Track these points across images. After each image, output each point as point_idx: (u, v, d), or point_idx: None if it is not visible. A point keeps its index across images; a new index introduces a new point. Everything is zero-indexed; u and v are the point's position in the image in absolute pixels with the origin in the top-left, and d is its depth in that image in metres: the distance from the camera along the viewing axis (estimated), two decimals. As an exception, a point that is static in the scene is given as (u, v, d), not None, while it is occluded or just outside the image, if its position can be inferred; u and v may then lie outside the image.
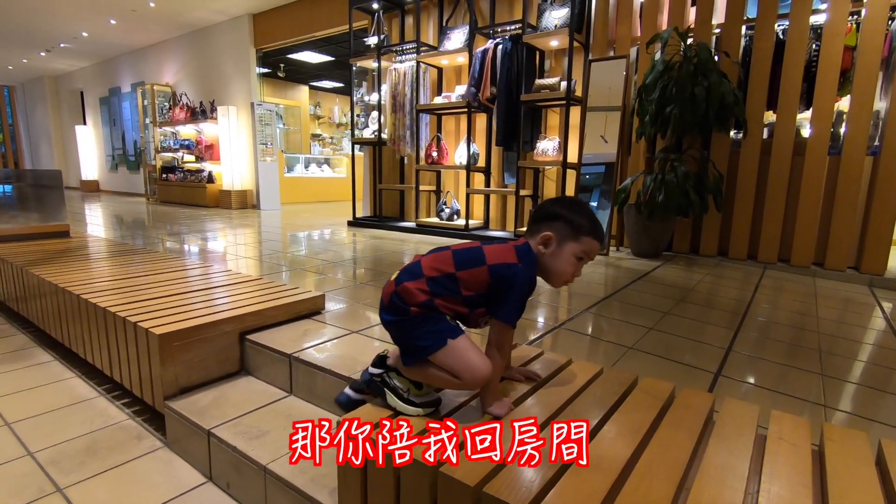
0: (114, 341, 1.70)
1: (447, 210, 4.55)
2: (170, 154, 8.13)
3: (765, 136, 3.45)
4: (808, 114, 3.29)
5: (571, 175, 3.89)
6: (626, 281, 2.76)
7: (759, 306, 2.36)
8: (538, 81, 3.86)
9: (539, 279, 1.08)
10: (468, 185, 4.30)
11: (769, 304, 2.41)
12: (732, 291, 2.66)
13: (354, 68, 5.17)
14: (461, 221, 4.43)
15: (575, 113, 3.89)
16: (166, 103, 8.31)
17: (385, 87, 4.85)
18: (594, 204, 3.74)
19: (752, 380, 1.51)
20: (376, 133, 4.96)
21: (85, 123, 11.05)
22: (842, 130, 3.25)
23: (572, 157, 3.88)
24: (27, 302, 2.38)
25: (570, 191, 3.90)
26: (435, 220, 4.64)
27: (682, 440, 0.95)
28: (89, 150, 11.05)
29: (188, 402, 1.49)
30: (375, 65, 4.85)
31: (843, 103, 3.27)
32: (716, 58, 3.32)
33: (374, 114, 5.03)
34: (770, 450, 0.92)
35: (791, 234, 3.34)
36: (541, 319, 2.01)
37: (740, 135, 3.44)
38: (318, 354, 1.54)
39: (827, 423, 1.07)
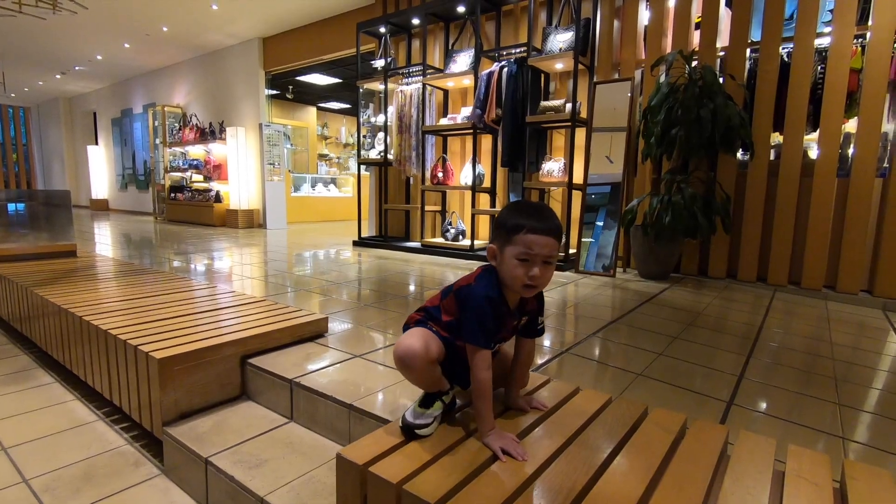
0: (114, 364, 1.68)
1: (452, 230, 4.55)
2: (178, 174, 8.24)
3: (772, 157, 3.43)
4: (815, 135, 3.28)
5: (577, 196, 3.88)
6: (634, 304, 2.72)
7: (770, 331, 2.31)
8: (543, 103, 3.89)
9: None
10: (473, 205, 4.30)
11: (781, 329, 2.36)
12: (742, 315, 2.61)
13: (361, 90, 5.23)
14: (466, 242, 4.42)
15: (580, 134, 3.91)
16: (176, 124, 8.44)
17: (391, 109, 4.91)
18: (600, 223, 3.72)
19: (765, 409, 1.47)
20: (382, 154, 4.99)
21: (97, 144, 11.24)
22: (850, 152, 3.23)
23: (578, 177, 3.87)
24: (31, 322, 2.37)
25: (576, 211, 3.89)
26: (440, 240, 4.63)
27: (696, 476, 0.91)
28: (100, 170, 11.22)
29: (187, 428, 1.46)
30: (382, 87, 4.92)
31: (851, 125, 3.26)
32: (721, 80, 3.33)
33: (381, 135, 5.07)
34: (790, 489, 0.88)
35: (801, 256, 3.29)
36: (546, 343, 1.97)
37: (747, 156, 3.43)
38: (321, 380, 1.51)
39: (848, 460, 1.03)
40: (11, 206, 3.18)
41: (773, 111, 3.32)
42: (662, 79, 3.40)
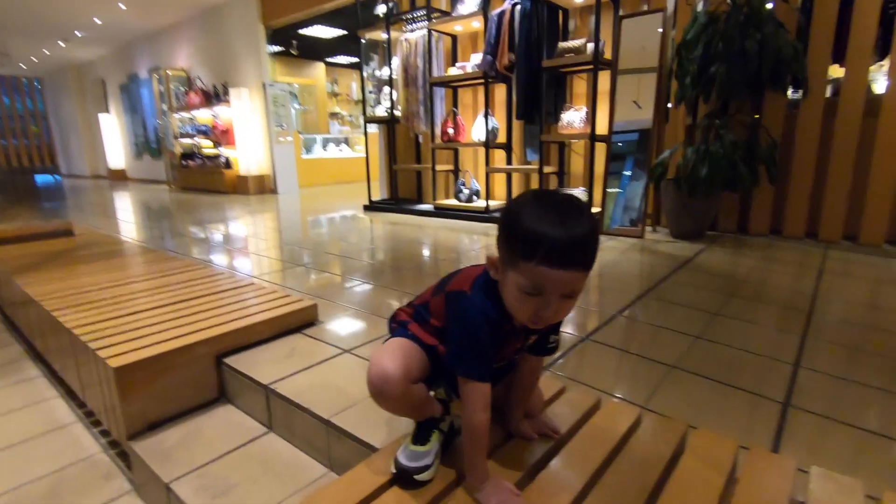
0: (81, 364, 1.53)
1: (466, 191, 4.25)
2: (188, 140, 8.05)
3: (829, 94, 2.97)
4: (883, 65, 2.80)
5: (601, 149, 3.51)
6: (665, 271, 2.43)
7: (827, 300, 2.00)
8: (561, 45, 3.46)
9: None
10: (487, 163, 3.97)
11: (840, 298, 2.04)
12: (791, 280, 2.29)
13: (364, 41, 4.83)
14: (481, 203, 4.13)
15: (604, 78, 3.48)
16: (182, 88, 8.17)
17: (396, 60, 4.52)
18: (628, 173, 3.36)
19: (833, 412, 1.20)
20: (389, 110, 4.65)
21: (108, 112, 11.11)
22: (925, 84, 2.76)
23: (601, 128, 3.49)
24: (16, 310, 2.25)
25: (599, 166, 3.53)
26: (454, 201, 4.34)
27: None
28: (114, 139, 11.13)
29: (155, 442, 1.30)
30: (385, 36, 4.51)
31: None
32: (770, 5, 2.85)
33: (386, 89, 4.71)
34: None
35: (860, 207, 2.90)
36: (566, 331, 1.73)
37: (799, 94, 2.99)
38: (300, 384, 1.32)
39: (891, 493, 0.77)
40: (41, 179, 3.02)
41: (832, 38, 2.84)
42: (700, 7, 2.93)
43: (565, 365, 1.45)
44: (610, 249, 2.93)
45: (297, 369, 1.41)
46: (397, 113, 4.60)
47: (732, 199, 3.26)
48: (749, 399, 1.25)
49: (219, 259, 2.96)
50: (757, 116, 3.07)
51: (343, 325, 1.76)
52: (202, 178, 7.71)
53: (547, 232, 0.66)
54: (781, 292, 2.12)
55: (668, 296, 2.05)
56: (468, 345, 0.74)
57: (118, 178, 11.22)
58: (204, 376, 1.45)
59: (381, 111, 4.87)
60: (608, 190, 3.41)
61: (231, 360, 1.47)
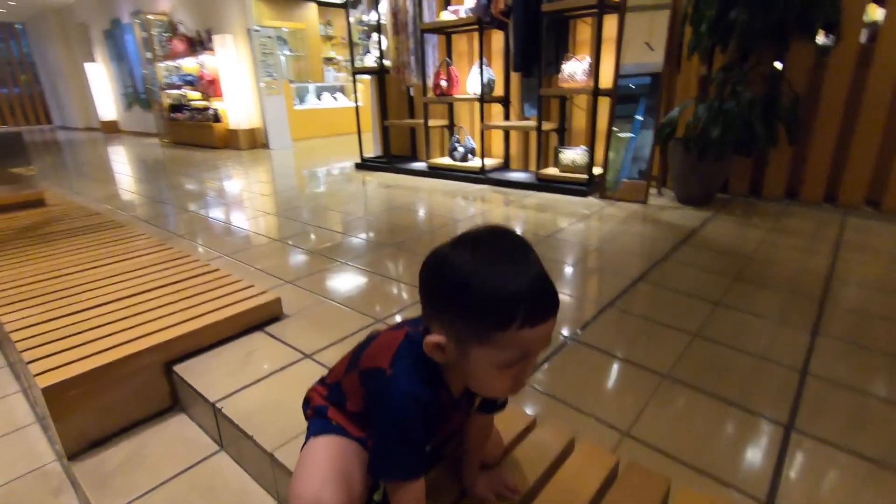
0: (22, 371, 1.42)
1: (461, 149, 4.00)
2: (175, 91, 7.69)
3: (863, 40, 2.64)
4: (928, 7, 2.46)
5: (605, 103, 3.22)
6: (667, 247, 2.24)
7: (843, 281, 1.83)
8: (564, -16, 3.09)
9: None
10: (482, 118, 3.70)
11: (858, 279, 1.87)
12: (804, 257, 2.11)
13: (349, -19, 4.41)
14: (477, 162, 3.89)
15: (610, 23, 3.14)
16: (165, 34, 7.71)
17: (384, 3, 4.13)
18: (639, 117, 3.08)
19: (832, 435, 1.06)
20: (378, 60, 4.31)
21: (94, 60, 10.62)
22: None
23: (606, 80, 3.18)
24: (-21, 296, 2.14)
25: (602, 123, 3.25)
26: (448, 160, 4.10)
27: None
28: (103, 89, 10.72)
29: (96, 463, 1.20)
30: (372, -25, 4.10)
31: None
32: (803, -65, 2.47)
33: (375, 36, 4.34)
34: None
35: (887, 169, 2.65)
36: (551, 321, 1.58)
37: (829, 40, 2.66)
38: (250, 403, 1.20)
39: None
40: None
41: (873, -25, 2.48)
42: (722, -61, 2.56)
43: (543, 376, 1.31)
44: (609, 218, 2.74)
45: (251, 381, 1.29)
46: (387, 63, 4.26)
47: (746, 161, 3.00)
48: (747, 421, 1.12)
49: (193, 231, 2.81)
50: (779, 68, 2.75)
51: (310, 321, 1.63)
52: (192, 133, 7.43)
53: (519, 289, 0.53)
54: (791, 273, 1.94)
55: (667, 280, 1.88)
56: (394, 442, 0.59)
57: (110, 130, 10.90)
58: (152, 386, 1.34)
59: (370, 61, 4.52)
60: (620, 135, 3.14)
61: (181, 369, 1.35)
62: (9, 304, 1.62)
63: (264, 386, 1.27)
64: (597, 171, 3.30)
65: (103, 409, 1.26)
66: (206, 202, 3.59)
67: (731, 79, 2.68)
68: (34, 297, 1.66)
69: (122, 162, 6.21)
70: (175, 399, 1.39)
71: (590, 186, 3.25)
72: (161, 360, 1.35)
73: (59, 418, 1.19)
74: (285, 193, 3.84)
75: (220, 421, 1.19)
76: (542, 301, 0.55)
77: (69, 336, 1.38)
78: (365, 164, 4.62)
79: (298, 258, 2.26)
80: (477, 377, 0.59)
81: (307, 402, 0.77)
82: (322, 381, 0.77)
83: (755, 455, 1.01)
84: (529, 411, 1.12)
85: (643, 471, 0.85)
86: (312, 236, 2.60)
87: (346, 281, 1.96)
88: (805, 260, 2.08)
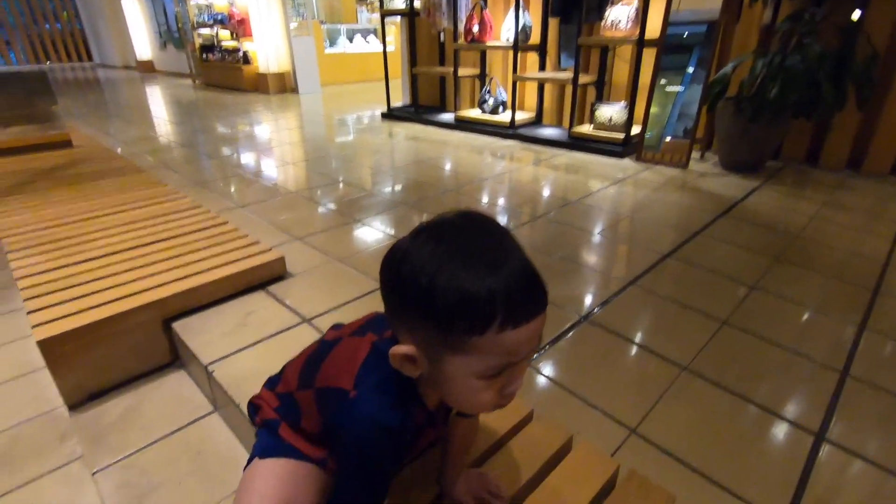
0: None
1: (491, 101, 3.77)
2: (207, 30, 7.55)
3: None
4: None
5: (651, 55, 2.92)
6: (704, 219, 2.06)
7: (900, 273, 1.64)
8: (615, -85, 2.74)
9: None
10: (516, 69, 3.45)
11: (917, 269, 1.67)
12: (860, 237, 1.90)
13: (381, -89, 4.08)
14: (507, 115, 3.67)
15: (665, -38, 2.79)
16: (195, -33, 7.48)
17: (417, -64, 3.82)
18: (690, 70, 2.80)
19: (880, 455, 0.95)
20: (408, 1, 4.05)
21: (129, -4, 10.50)
22: None
23: (653, 30, 2.87)
24: None
25: (645, 77, 2.97)
26: (477, 112, 3.89)
27: None
28: (139, 27, 10.65)
29: (94, 416, 1.21)
30: None
31: None
32: None
33: (406, -26, 4.06)
34: None
35: (969, 142, 2.33)
36: (561, 303, 1.47)
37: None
38: (242, 368, 1.17)
39: None
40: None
41: None
42: None
43: (548, 358, 1.23)
44: (644, 184, 2.54)
45: (247, 343, 1.26)
46: (417, 4, 3.99)
47: (805, 125, 2.71)
48: (772, 426, 1.01)
49: (211, 179, 2.77)
50: (857, 19, 2.40)
51: (314, 283, 1.57)
52: (223, 75, 7.34)
53: (495, 284, 0.44)
54: (843, 256, 1.75)
55: (700, 257, 1.73)
56: (358, 478, 0.51)
57: (146, 69, 10.92)
58: (151, 342, 1.33)
59: (399, 2, 4.25)
60: (668, 89, 2.88)
61: (179, 326, 1.33)
62: (22, 249, 1.63)
63: (259, 350, 1.24)
64: (635, 130, 3.05)
65: (101, 363, 1.25)
66: (229, 149, 3.54)
67: (799, 29, 2.36)
68: (46, 243, 1.66)
69: (153, 103, 6.22)
70: (175, 355, 1.38)
71: (626, 147, 3.02)
72: (159, 317, 1.33)
73: (56, 370, 1.19)
74: (308, 143, 3.75)
75: (213, 384, 1.17)
76: (526, 295, 0.45)
77: (72, 287, 1.37)
78: (392, 114, 4.45)
79: (312, 213, 2.20)
80: (455, 391, 0.50)
81: (254, 408, 0.69)
82: (271, 385, 0.68)
83: (778, 467, 0.91)
84: (527, 400, 1.04)
85: (644, 483, 0.76)
86: (330, 190, 2.52)
87: (358, 241, 1.89)
88: (861, 241, 1.87)
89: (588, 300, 1.46)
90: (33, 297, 1.32)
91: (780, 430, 0.99)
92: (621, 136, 3.04)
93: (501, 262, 0.45)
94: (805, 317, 1.39)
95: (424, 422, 0.56)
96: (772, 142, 2.67)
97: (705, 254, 1.75)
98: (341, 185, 2.61)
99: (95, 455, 1.10)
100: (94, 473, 1.05)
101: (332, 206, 2.28)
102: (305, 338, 1.28)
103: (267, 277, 1.54)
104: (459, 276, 0.43)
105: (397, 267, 0.46)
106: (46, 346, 1.15)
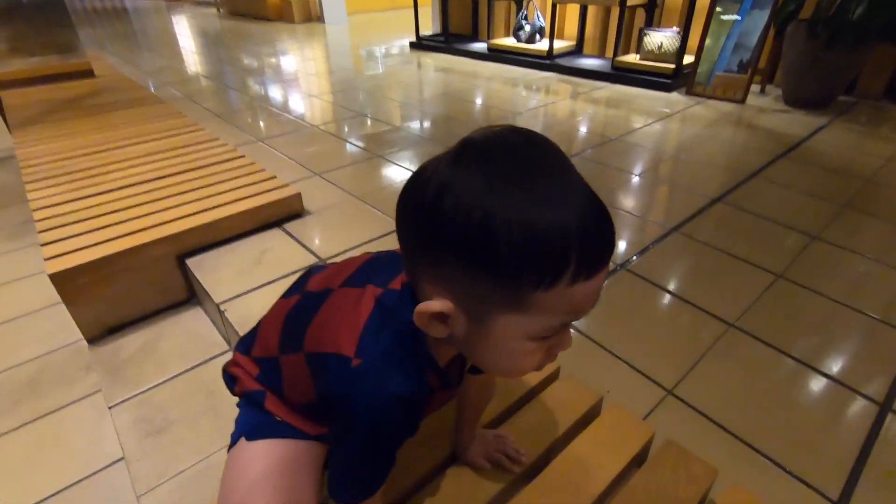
0: (53, 250, 1.42)
1: (527, 27, 3.46)
2: (229, -48, 7.16)
3: None
4: None
5: (713, -30, 2.56)
6: (761, 160, 1.85)
7: None
8: None
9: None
10: (557, -10, 3.12)
11: None
12: (944, 185, 1.67)
13: None
14: (545, 44, 3.37)
15: None
16: None
17: None
18: None
19: (955, 431, 0.84)
20: (440, -89, 3.66)
21: (150, -84, 10.01)
22: None
23: (720, -62, 2.50)
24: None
25: (703, 0, 2.62)
26: (511, 41, 3.60)
27: None
28: (162, -49, 10.23)
29: (112, 350, 1.21)
30: None
31: None
32: None
33: None
34: None
35: None
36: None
37: None
38: (254, 308, 1.12)
39: None
40: None
41: None
42: None
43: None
44: (694, 120, 2.30)
45: (260, 283, 1.21)
46: (450, -85, 3.61)
47: (887, 54, 2.37)
48: (830, 393, 0.90)
49: (232, 111, 2.67)
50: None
51: (331, 221, 1.50)
52: (247, 3, 7.03)
53: (570, 223, 0.33)
54: (923, 205, 1.55)
55: (755, 202, 1.55)
56: (362, 460, 0.44)
57: (173, -2, 10.60)
58: (166, 278, 1.30)
59: (431, -87, 3.85)
60: (723, 17, 2.56)
61: (193, 263, 1.29)
62: (41, 180, 1.60)
63: (272, 290, 1.19)
64: (688, 60, 2.75)
65: (117, 297, 1.23)
66: (251, 80, 3.41)
67: (899, -66, 1.99)
68: (64, 174, 1.62)
69: (177, 33, 6.05)
70: (191, 292, 1.35)
71: (676, 79, 2.73)
72: (173, 252, 1.29)
73: (71, 304, 1.17)
74: (333, 74, 3.58)
75: (225, 322, 1.13)
76: (601, 238, 0.36)
77: (87, 219, 1.34)
78: (421, 44, 4.18)
79: (333, 147, 2.09)
80: (497, 355, 0.40)
81: (230, 376, 0.60)
82: (246, 348, 0.58)
83: (834, 439, 0.82)
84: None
85: (683, 454, 0.68)
86: (353, 124, 2.39)
87: (379, 177, 1.79)
88: (944, 188, 1.65)
89: (624, 246, 1.33)
90: (48, 230, 1.29)
91: (840, 398, 0.89)
92: (671, 66, 2.74)
93: (572, 194, 0.35)
94: (873, 272, 1.23)
95: (438, 385, 0.47)
96: (847, 73, 2.35)
97: (760, 199, 1.57)
98: (365, 119, 2.47)
99: (113, 389, 1.10)
100: (111, 407, 1.05)
101: (354, 140, 2.16)
102: (321, 279, 1.22)
103: (284, 214, 1.47)
104: (528, 213, 0.33)
105: (434, 200, 0.35)
106: (58, 279, 1.13)
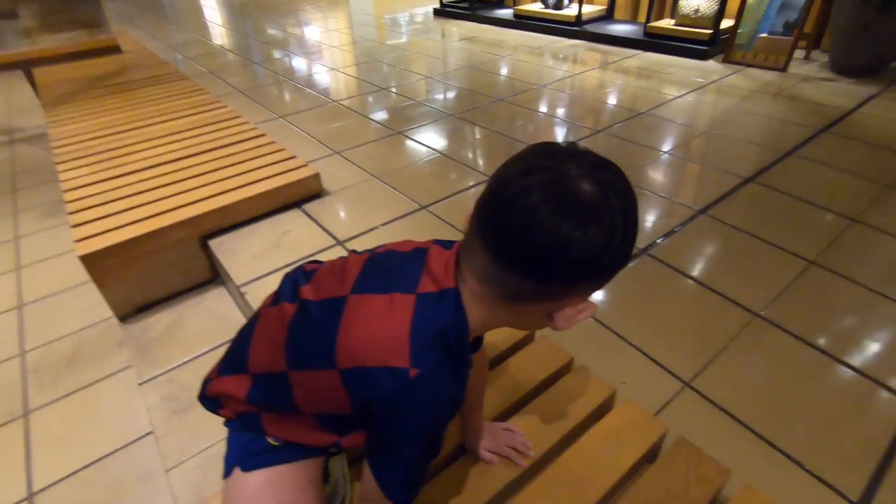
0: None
1: (556, -8, 3.31)
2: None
3: None
4: None
5: (758, -75, 2.37)
6: (801, 135, 1.75)
7: None
8: None
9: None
10: (587, -50, 2.95)
11: None
12: None
13: None
14: (573, 9, 3.22)
15: None
16: None
17: None
18: None
19: None
20: None
21: None
22: None
23: None
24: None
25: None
26: (538, 6, 3.45)
27: None
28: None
29: (141, 329, 1.26)
30: None
31: None
32: None
33: None
34: None
35: None
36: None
37: None
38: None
39: None
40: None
41: None
42: None
43: (594, 294, 1.11)
44: (730, 91, 2.18)
45: (279, 266, 1.23)
46: None
47: (953, 13, 2.16)
48: (857, 389, 0.87)
49: (255, 86, 2.67)
50: None
51: (351, 201, 1.50)
52: (270, -30, 6.91)
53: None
54: (978, 185, 1.44)
55: (791, 183, 1.47)
56: (421, 446, 0.45)
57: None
58: (190, 259, 1.33)
59: None
60: None
61: (215, 244, 1.31)
62: (71, 160, 1.64)
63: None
64: (725, 25, 2.59)
65: (144, 277, 1.27)
66: (274, 54, 3.38)
67: None
68: (91, 154, 1.66)
69: (203, 4, 6.03)
70: (215, 272, 1.39)
71: (712, 46, 2.58)
72: (196, 234, 1.31)
73: (101, 284, 1.22)
74: (356, 46, 3.52)
75: (247, 305, 1.16)
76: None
77: (113, 201, 1.37)
78: (444, 11, 4.05)
79: (353, 124, 2.07)
80: (566, 321, 0.47)
81: (214, 402, 0.58)
82: (231, 365, 0.56)
83: (859, 438, 0.79)
84: (568, 344, 0.95)
85: (695, 453, 0.67)
86: (374, 99, 2.36)
87: (399, 156, 1.77)
88: None
89: (648, 229, 1.29)
90: (77, 212, 1.33)
91: (867, 394, 0.85)
92: (708, 31, 2.58)
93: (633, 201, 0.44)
94: (916, 259, 1.16)
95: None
96: (903, 37, 2.17)
97: (797, 178, 1.49)
98: (386, 93, 2.43)
99: (142, 367, 1.15)
100: (140, 384, 1.10)
101: (374, 116, 2.13)
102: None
103: (303, 195, 1.47)
104: (633, 234, 0.43)
105: (602, 250, 0.40)
106: (88, 260, 1.17)
